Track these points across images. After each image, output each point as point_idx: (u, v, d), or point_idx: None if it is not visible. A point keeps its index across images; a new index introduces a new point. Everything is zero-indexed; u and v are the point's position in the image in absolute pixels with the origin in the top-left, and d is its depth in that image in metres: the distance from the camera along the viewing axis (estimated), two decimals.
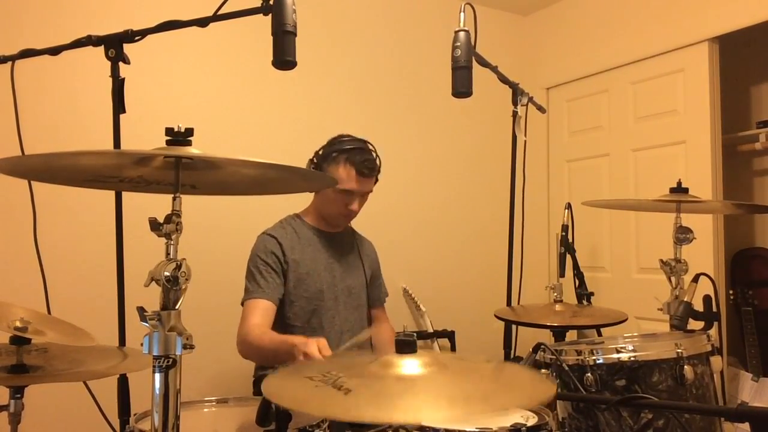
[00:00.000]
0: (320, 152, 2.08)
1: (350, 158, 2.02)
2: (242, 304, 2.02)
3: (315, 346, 1.62)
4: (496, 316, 2.03)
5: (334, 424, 1.36)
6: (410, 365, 1.01)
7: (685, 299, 1.74)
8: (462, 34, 1.93)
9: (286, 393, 1.01)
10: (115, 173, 1.17)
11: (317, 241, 2.14)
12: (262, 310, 1.96)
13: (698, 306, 1.73)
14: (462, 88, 1.92)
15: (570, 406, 1.44)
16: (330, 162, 2.05)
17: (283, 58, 1.44)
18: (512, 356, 2.21)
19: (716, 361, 1.49)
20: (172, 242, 1.03)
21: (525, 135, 2.22)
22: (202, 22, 1.54)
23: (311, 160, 2.09)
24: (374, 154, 2.08)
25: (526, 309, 2.23)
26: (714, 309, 1.73)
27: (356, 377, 1.01)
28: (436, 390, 0.99)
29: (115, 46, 1.58)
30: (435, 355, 1.08)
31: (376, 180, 2.12)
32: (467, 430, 1.37)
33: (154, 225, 1.03)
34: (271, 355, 1.86)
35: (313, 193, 2.18)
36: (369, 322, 2.22)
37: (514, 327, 2.17)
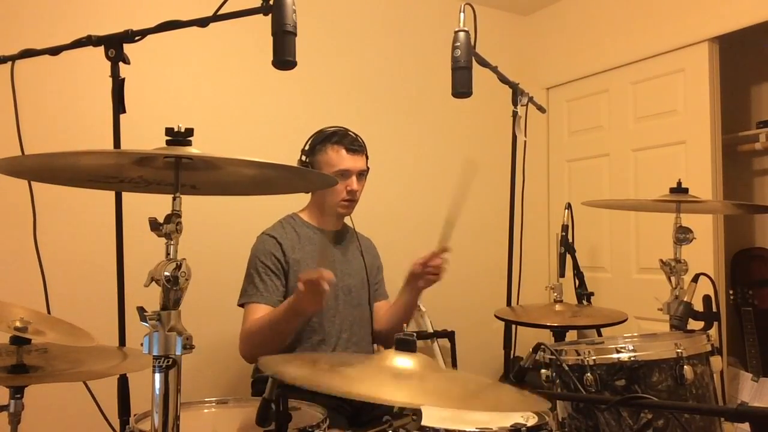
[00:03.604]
0: (306, 148, 2.10)
1: (336, 140, 2.07)
2: (240, 305, 2.02)
3: (308, 274, 1.66)
4: (496, 316, 2.03)
5: (334, 423, 1.37)
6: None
7: (685, 299, 1.74)
8: (462, 35, 1.93)
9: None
10: (115, 173, 1.17)
11: (317, 239, 2.13)
12: (263, 312, 1.96)
13: (698, 306, 1.73)
14: (462, 88, 1.92)
15: (570, 406, 1.44)
16: (317, 152, 2.08)
17: (283, 58, 1.45)
18: (512, 356, 2.21)
19: (716, 361, 1.49)
20: (172, 242, 1.03)
21: (525, 135, 2.22)
22: (202, 22, 1.54)
23: (300, 160, 2.10)
24: (356, 135, 2.13)
25: (526, 309, 2.24)
26: (714, 309, 1.72)
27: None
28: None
29: (115, 46, 1.58)
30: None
31: (367, 158, 2.14)
32: (467, 430, 1.37)
33: (154, 225, 1.03)
34: (275, 326, 1.87)
35: (309, 194, 2.18)
36: (369, 321, 2.22)
37: (514, 327, 2.17)
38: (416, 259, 2.02)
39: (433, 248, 3.23)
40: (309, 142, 2.11)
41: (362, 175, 2.12)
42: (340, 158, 2.05)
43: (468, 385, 1.09)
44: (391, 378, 1.00)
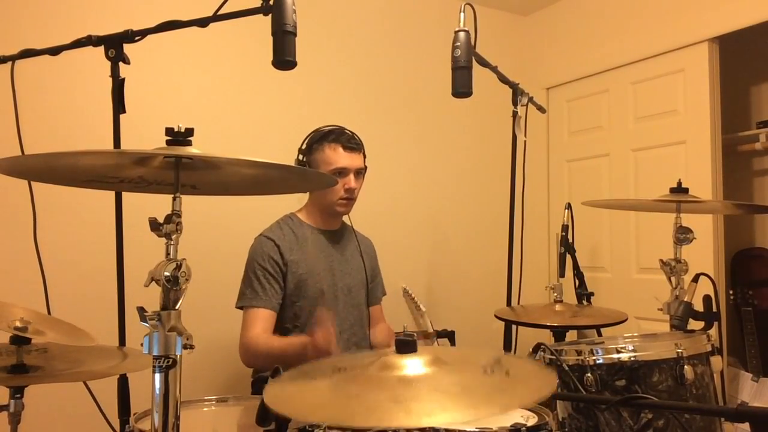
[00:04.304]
0: (303, 147, 2.10)
1: (332, 139, 2.07)
2: (239, 307, 2.02)
3: (323, 337, 1.68)
4: (496, 316, 2.03)
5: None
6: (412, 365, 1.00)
7: (685, 299, 1.74)
8: (462, 34, 1.93)
9: (291, 401, 1.00)
10: (115, 173, 1.17)
11: (316, 240, 2.13)
12: (263, 320, 1.96)
13: (698, 306, 1.73)
14: (462, 88, 1.92)
15: (570, 406, 1.44)
16: (315, 151, 2.08)
17: (283, 58, 1.45)
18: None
19: (716, 361, 1.49)
20: (172, 242, 1.03)
21: (525, 135, 2.22)
22: (202, 22, 1.54)
23: (297, 159, 2.10)
24: (353, 133, 2.12)
25: (526, 309, 2.23)
26: (714, 309, 1.73)
27: (359, 380, 1.00)
28: (439, 393, 0.97)
29: (115, 46, 1.58)
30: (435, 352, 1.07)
31: (365, 157, 2.13)
32: (467, 430, 1.37)
33: (154, 225, 1.03)
34: (281, 359, 1.86)
35: (306, 194, 2.18)
36: (368, 321, 2.22)
37: (514, 327, 2.17)
38: None
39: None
40: (306, 141, 2.11)
41: (360, 173, 2.11)
42: (337, 156, 2.05)
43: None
44: (401, 387, 0.96)
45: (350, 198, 2.09)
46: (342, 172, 2.05)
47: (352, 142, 2.08)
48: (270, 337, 1.94)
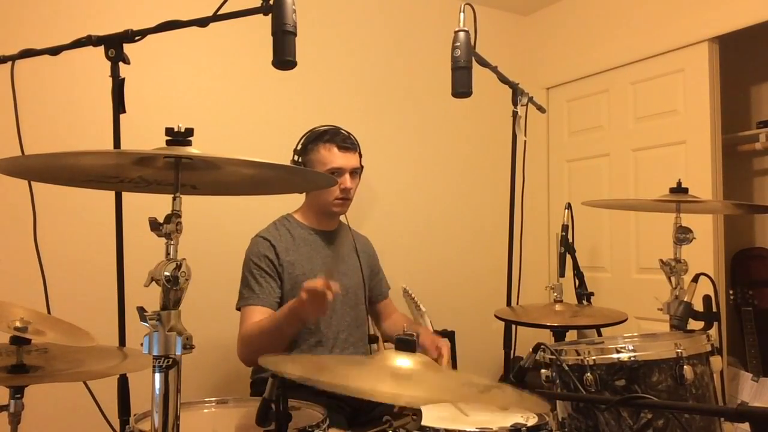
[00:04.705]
0: (298, 148, 2.10)
1: (327, 139, 2.06)
2: (238, 309, 2.01)
3: (312, 283, 1.65)
4: (496, 316, 2.03)
5: (334, 423, 1.37)
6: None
7: (685, 299, 1.74)
8: (462, 34, 1.93)
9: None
10: (115, 173, 1.17)
11: (312, 240, 2.13)
12: (260, 314, 1.95)
13: (698, 306, 1.73)
14: (462, 88, 1.92)
15: (570, 406, 1.44)
16: (310, 151, 2.07)
17: (283, 58, 1.45)
18: (512, 356, 2.21)
19: (716, 361, 1.49)
20: (172, 242, 1.03)
21: (525, 135, 2.22)
22: (202, 22, 1.54)
23: (292, 160, 2.09)
24: (348, 133, 2.12)
25: (526, 309, 2.23)
26: (714, 309, 1.72)
27: None
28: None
29: (115, 46, 1.59)
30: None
31: (361, 156, 2.13)
32: (467, 430, 1.37)
33: (154, 225, 1.03)
34: (276, 331, 1.85)
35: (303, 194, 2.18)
36: (369, 320, 2.22)
37: (514, 327, 2.17)
38: (436, 346, 2.02)
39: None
40: (301, 141, 2.10)
41: (355, 172, 2.11)
42: (332, 156, 2.04)
43: (468, 384, 1.08)
44: (389, 377, 1.00)
45: (346, 198, 2.09)
46: (337, 172, 2.04)
47: (347, 142, 2.07)
48: (260, 320, 1.92)
